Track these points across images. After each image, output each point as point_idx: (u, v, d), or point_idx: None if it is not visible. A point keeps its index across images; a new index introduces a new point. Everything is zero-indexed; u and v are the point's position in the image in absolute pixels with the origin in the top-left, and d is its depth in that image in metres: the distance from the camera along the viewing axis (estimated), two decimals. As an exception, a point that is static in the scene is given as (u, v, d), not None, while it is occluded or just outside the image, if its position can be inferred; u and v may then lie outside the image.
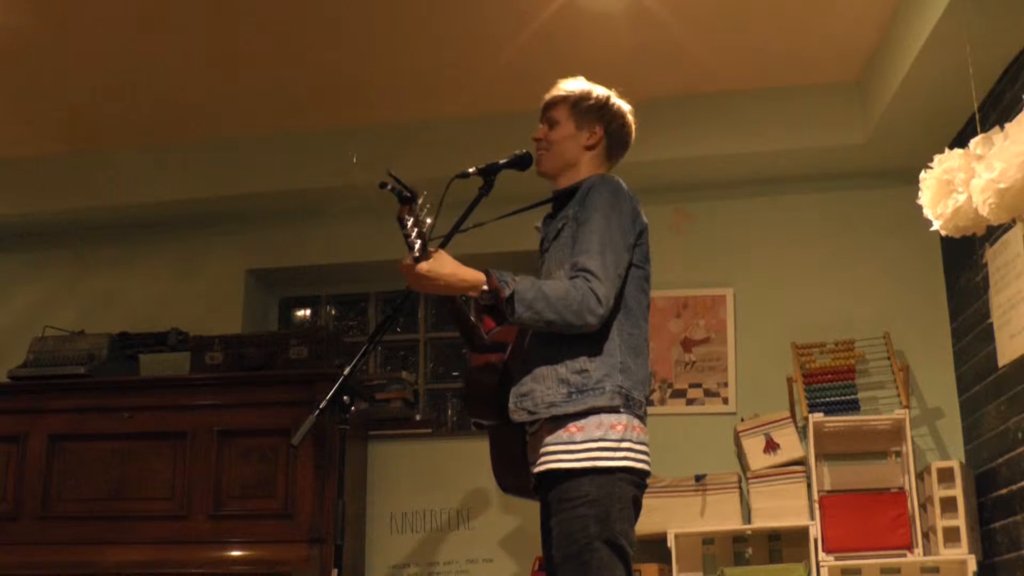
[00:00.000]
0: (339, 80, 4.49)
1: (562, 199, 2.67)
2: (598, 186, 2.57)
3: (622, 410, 2.44)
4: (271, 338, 4.62)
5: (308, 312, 5.51)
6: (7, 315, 5.26)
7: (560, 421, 2.44)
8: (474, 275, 2.43)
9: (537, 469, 2.47)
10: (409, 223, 2.36)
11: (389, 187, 2.39)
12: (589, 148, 2.70)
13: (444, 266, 2.41)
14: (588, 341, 2.46)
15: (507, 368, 2.58)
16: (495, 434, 2.68)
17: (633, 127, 2.77)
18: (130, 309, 5.11)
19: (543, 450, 2.45)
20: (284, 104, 4.68)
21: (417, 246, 2.35)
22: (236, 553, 4.14)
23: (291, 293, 5.49)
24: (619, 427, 2.42)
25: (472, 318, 2.61)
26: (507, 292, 2.37)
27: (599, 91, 2.73)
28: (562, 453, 2.42)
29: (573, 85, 2.74)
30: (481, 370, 2.62)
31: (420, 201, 2.40)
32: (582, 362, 2.45)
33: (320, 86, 4.53)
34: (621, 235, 2.52)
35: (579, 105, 2.70)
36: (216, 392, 4.41)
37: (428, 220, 2.41)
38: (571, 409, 2.42)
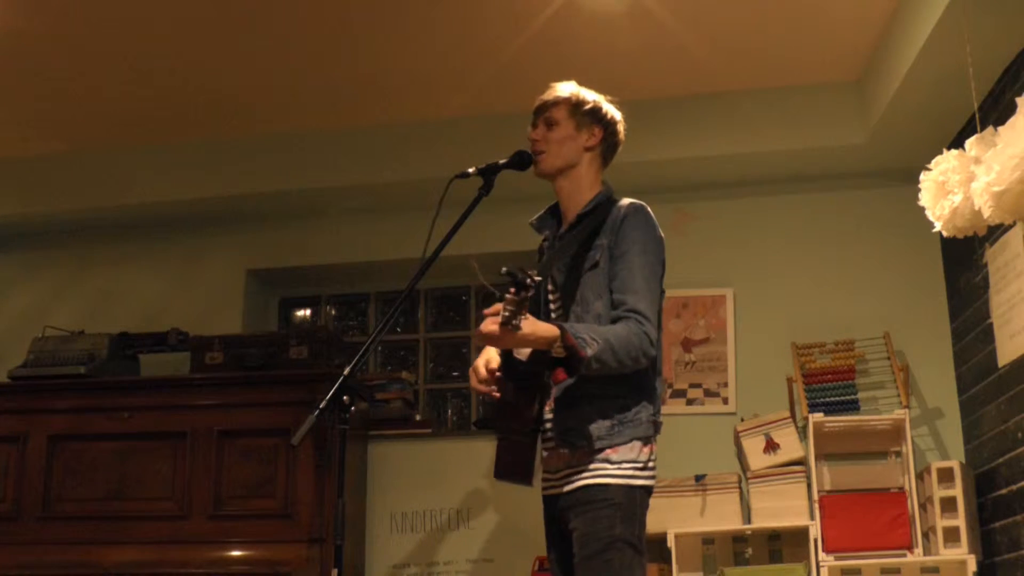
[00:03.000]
0: (339, 80, 4.48)
1: (586, 219, 2.68)
2: (632, 217, 2.63)
3: (652, 437, 2.60)
4: (271, 338, 4.62)
5: (308, 312, 5.51)
6: (7, 315, 5.26)
7: (601, 449, 2.55)
8: (549, 331, 2.45)
9: (572, 487, 2.55)
10: (524, 307, 2.34)
11: (505, 271, 2.38)
12: (588, 149, 2.73)
13: (525, 326, 2.41)
14: (626, 374, 2.55)
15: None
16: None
17: (623, 134, 2.81)
18: (130, 309, 5.10)
19: (582, 469, 2.55)
20: (284, 104, 4.68)
21: (515, 322, 2.35)
22: (236, 553, 4.14)
23: (291, 293, 5.48)
24: (647, 450, 2.58)
25: (517, 359, 2.60)
26: (587, 353, 2.42)
27: (593, 95, 2.77)
28: (598, 471, 2.53)
29: (569, 88, 2.77)
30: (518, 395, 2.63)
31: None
32: (623, 395, 2.57)
33: (320, 86, 4.53)
34: (657, 270, 2.63)
35: (579, 107, 2.73)
36: (216, 392, 4.40)
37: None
38: (616, 442, 2.54)
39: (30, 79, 4.44)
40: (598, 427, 2.54)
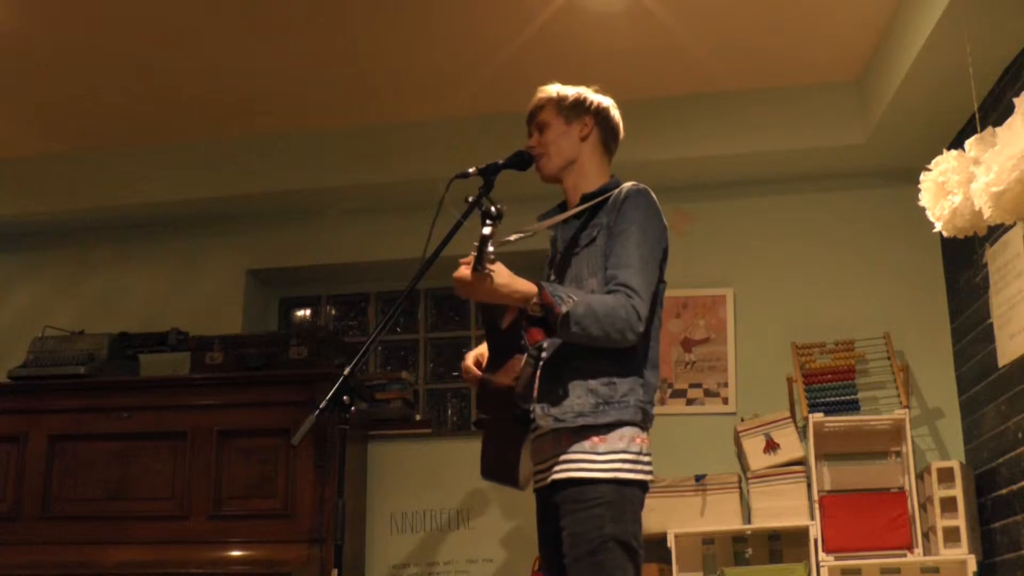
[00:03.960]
0: (339, 80, 4.49)
1: (590, 203, 2.67)
2: (634, 197, 2.60)
3: (641, 425, 2.52)
4: (271, 338, 4.62)
5: (308, 312, 5.51)
6: (7, 315, 5.26)
7: (584, 431, 2.48)
8: (527, 287, 2.43)
9: (557, 476, 2.49)
10: (491, 240, 2.32)
11: (471, 200, 2.36)
12: (584, 139, 2.73)
13: (500, 276, 2.40)
14: (616, 354, 2.50)
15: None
16: (492, 425, 2.68)
17: (619, 117, 2.80)
18: (130, 309, 5.11)
19: (565, 457, 2.49)
20: (284, 104, 4.68)
21: (486, 259, 2.32)
22: (236, 553, 4.14)
23: (291, 293, 5.49)
24: (638, 440, 2.50)
25: (501, 325, 2.57)
26: (562, 309, 2.39)
27: (575, 88, 2.77)
28: (585, 463, 2.46)
29: (551, 88, 2.77)
30: (501, 375, 2.60)
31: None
32: (611, 374, 2.50)
33: (320, 86, 4.53)
34: (656, 251, 2.58)
35: (564, 102, 2.74)
36: (216, 392, 4.40)
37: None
38: (599, 420, 2.47)
39: (30, 79, 4.44)
40: (581, 401, 2.48)
